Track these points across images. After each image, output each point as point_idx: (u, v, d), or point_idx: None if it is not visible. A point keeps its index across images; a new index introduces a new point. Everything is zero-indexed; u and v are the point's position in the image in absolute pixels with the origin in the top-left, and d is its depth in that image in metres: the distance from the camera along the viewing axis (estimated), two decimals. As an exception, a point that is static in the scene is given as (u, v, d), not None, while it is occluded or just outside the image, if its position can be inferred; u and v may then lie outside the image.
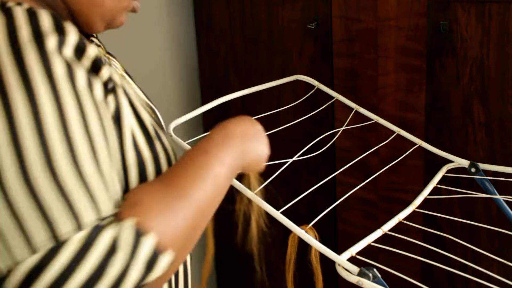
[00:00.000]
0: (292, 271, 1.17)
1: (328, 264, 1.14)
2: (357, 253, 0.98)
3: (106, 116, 0.73)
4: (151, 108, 0.97)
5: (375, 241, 1.01)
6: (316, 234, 1.08)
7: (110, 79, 0.76)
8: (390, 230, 1.03)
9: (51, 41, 0.68)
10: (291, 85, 1.72)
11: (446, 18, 1.67)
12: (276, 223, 1.12)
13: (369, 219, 1.93)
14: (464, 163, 1.18)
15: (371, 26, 1.78)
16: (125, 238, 0.65)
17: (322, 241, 1.03)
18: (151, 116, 0.87)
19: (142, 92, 1.02)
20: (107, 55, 0.96)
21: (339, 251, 1.00)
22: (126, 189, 0.77)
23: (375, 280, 0.90)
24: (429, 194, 1.12)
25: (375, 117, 1.36)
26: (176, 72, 2.25)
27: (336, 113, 1.89)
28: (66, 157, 0.65)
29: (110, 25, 0.84)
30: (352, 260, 0.97)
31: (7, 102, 0.64)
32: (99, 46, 0.94)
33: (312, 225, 1.05)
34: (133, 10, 0.87)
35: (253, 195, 1.04)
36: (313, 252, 1.11)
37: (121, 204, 0.70)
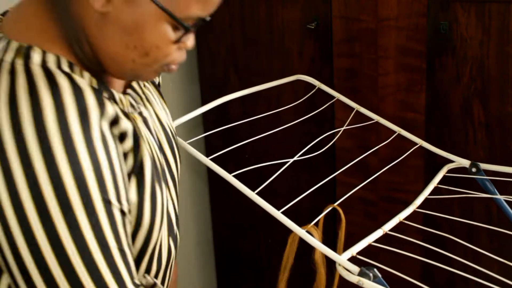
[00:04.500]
0: (288, 270, 1.17)
1: (327, 264, 1.15)
2: (358, 253, 0.98)
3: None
4: (167, 132, 0.97)
5: (375, 241, 1.01)
6: (320, 234, 1.08)
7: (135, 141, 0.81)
8: (390, 230, 1.03)
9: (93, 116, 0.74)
10: (291, 85, 1.72)
11: (446, 18, 1.67)
12: (277, 223, 1.12)
13: (369, 219, 1.93)
14: (465, 163, 1.18)
15: (371, 26, 1.78)
16: None
17: (322, 241, 1.03)
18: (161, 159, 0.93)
19: (165, 111, 1.02)
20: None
21: (339, 251, 1.01)
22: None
23: (375, 280, 0.90)
24: (430, 194, 1.12)
25: (376, 117, 1.36)
26: (176, 72, 2.25)
27: (337, 113, 1.89)
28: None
29: (134, 79, 0.87)
30: (352, 260, 0.97)
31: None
32: None
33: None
34: (164, 71, 0.86)
35: None
36: (317, 253, 1.11)
37: None
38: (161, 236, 0.87)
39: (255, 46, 2.03)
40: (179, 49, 0.81)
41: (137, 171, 0.80)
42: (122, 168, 0.77)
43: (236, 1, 2.02)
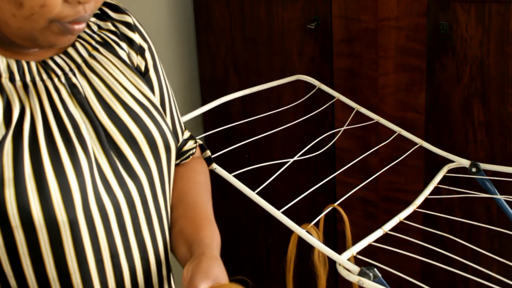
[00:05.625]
0: (292, 270, 1.17)
1: (328, 264, 1.15)
2: (358, 253, 0.98)
3: None
4: (126, 105, 0.91)
5: (375, 241, 1.01)
6: (319, 234, 1.08)
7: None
8: (390, 230, 1.03)
9: None
10: (291, 85, 1.72)
11: (446, 18, 1.67)
12: (277, 223, 1.12)
13: (369, 219, 1.93)
14: (465, 163, 1.18)
15: (371, 26, 1.78)
16: None
17: (322, 241, 1.03)
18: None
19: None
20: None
21: (339, 251, 1.01)
22: None
23: (375, 279, 0.90)
24: (430, 194, 1.12)
25: (376, 117, 1.36)
26: (176, 72, 2.26)
27: (337, 113, 1.89)
28: None
29: (35, 42, 0.81)
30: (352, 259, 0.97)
31: None
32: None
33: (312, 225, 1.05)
34: (67, 32, 0.80)
35: None
36: (316, 253, 1.11)
37: None
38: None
39: (255, 46, 2.03)
40: (66, 2, 0.77)
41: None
42: None
43: (236, 1, 2.02)
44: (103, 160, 0.85)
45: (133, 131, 0.89)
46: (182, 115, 1.35)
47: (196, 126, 2.29)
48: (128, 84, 0.93)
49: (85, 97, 0.87)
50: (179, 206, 0.98)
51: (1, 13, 0.76)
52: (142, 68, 0.98)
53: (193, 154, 1.07)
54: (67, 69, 0.87)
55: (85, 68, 0.90)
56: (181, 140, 1.04)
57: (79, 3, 0.78)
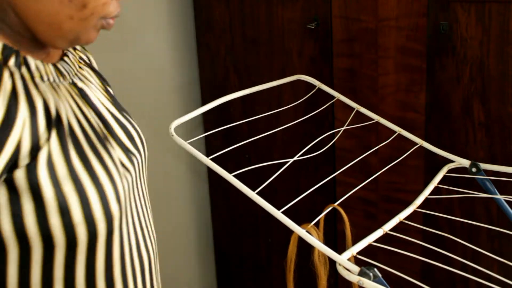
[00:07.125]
0: (292, 270, 1.17)
1: (328, 264, 1.15)
2: (358, 253, 0.98)
3: None
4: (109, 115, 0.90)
5: (375, 241, 1.01)
6: (319, 234, 1.08)
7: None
8: (390, 230, 1.03)
9: None
10: (291, 85, 1.72)
11: (446, 18, 1.67)
12: (277, 223, 1.12)
13: (369, 219, 1.93)
14: (465, 163, 1.17)
15: (371, 26, 1.78)
16: None
17: (322, 241, 1.03)
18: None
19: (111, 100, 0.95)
20: (80, 64, 0.93)
21: (339, 251, 1.01)
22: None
23: (375, 279, 0.90)
24: (430, 194, 1.12)
25: (376, 117, 1.35)
26: (176, 72, 2.26)
27: (337, 113, 1.89)
28: None
29: (75, 42, 0.81)
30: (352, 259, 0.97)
31: None
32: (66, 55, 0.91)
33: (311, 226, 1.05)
34: (104, 27, 0.81)
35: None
36: (316, 253, 1.11)
37: None
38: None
39: (255, 46, 2.03)
40: None
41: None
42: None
43: (236, 1, 2.02)
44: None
45: (133, 134, 0.93)
46: (182, 115, 1.35)
47: (196, 126, 2.29)
48: (102, 97, 0.95)
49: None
50: None
51: (55, 17, 0.75)
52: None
53: None
54: (72, 73, 0.87)
55: (81, 75, 0.90)
56: None
57: None
